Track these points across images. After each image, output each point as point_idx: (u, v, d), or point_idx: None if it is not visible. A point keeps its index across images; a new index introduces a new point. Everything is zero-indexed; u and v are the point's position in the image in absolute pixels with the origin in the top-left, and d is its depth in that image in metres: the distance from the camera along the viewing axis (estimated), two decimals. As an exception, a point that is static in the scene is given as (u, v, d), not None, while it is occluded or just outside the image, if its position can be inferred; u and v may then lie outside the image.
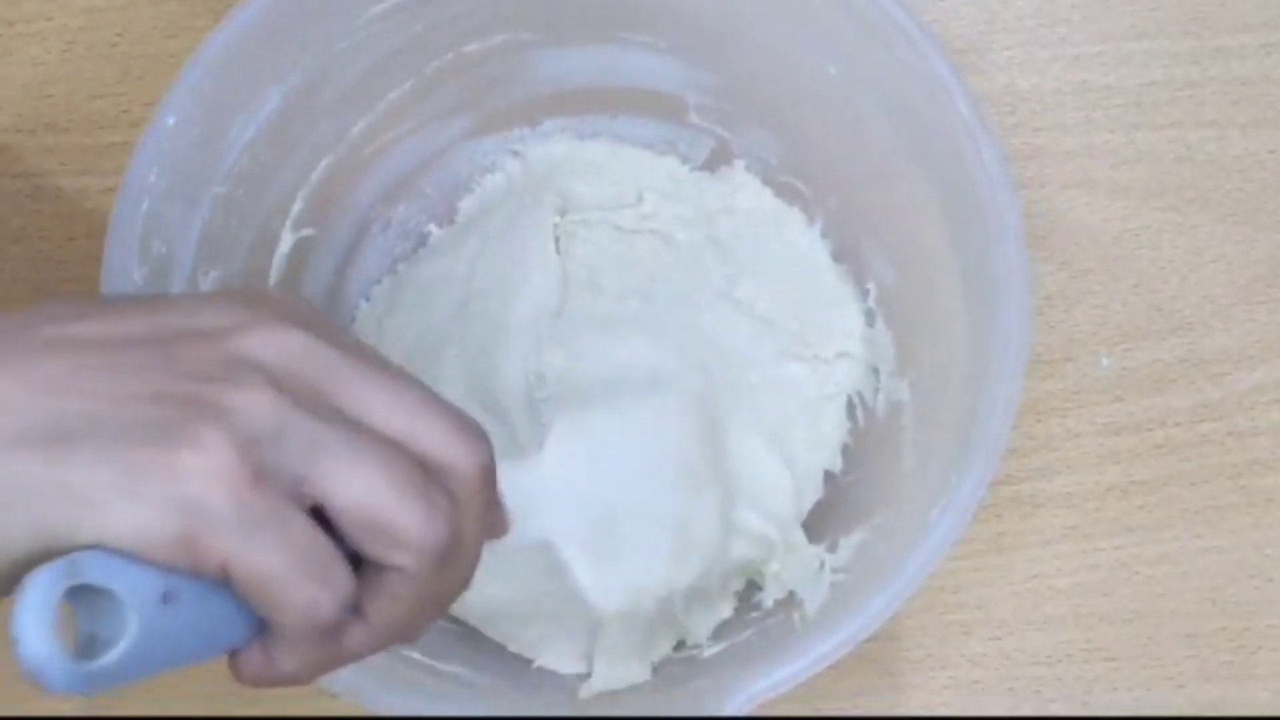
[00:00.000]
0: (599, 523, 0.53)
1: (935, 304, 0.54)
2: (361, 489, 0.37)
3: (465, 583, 0.41)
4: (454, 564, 0.39)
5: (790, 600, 0.56)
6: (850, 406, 0.59)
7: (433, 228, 0.61)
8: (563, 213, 0.60)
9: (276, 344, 0.38)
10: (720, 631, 0.57)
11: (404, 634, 0.40)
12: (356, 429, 0.38)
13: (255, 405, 0.37)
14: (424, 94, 0.58)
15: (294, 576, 0.36)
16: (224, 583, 0.36)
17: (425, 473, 0.38)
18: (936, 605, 0.59)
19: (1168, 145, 0.64)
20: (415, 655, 0.55)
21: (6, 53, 0.63)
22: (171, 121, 0.50)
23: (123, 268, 0.49)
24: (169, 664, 0.37)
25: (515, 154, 0.61)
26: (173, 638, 0.36)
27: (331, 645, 0.39)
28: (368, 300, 0.61)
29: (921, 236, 0.54)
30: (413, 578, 0.38)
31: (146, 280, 0.49)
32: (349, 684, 0.47)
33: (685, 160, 0.61)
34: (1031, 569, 0.60)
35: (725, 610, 0.57)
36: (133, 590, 0.35)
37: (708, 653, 0.56)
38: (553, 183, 0.61)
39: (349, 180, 0.58)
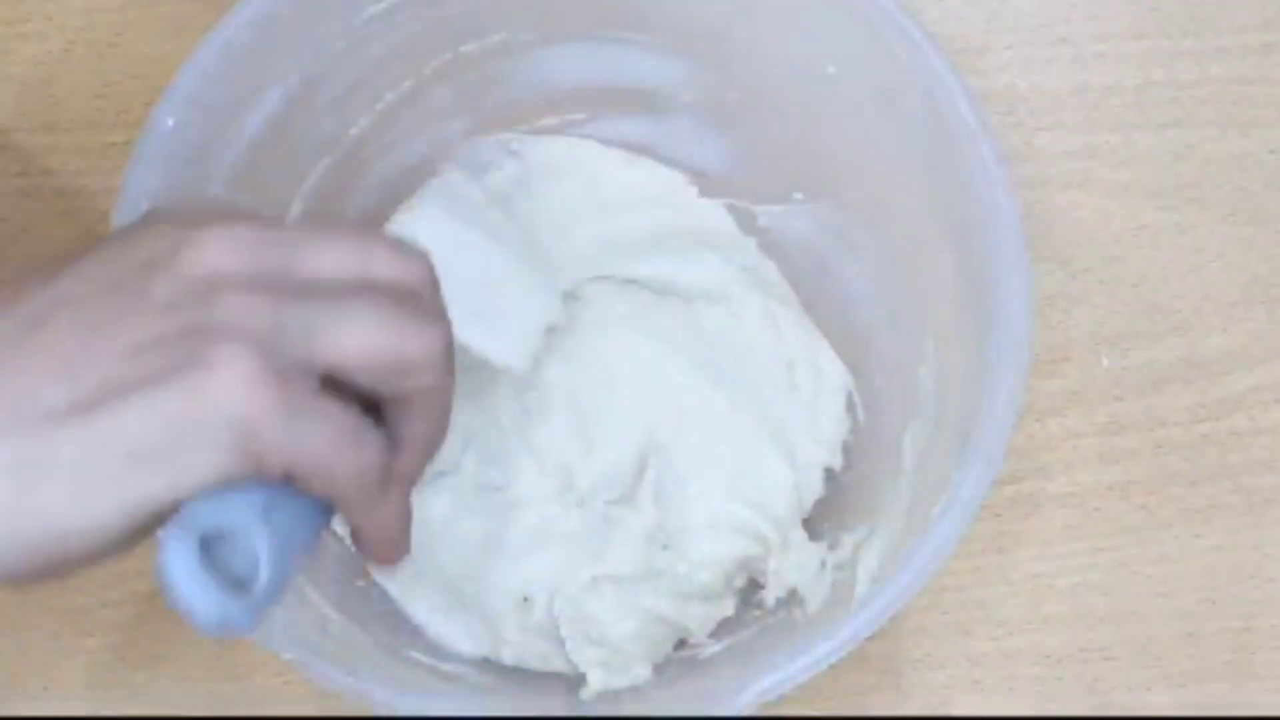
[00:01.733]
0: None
1: (936, 304, 0.54)
2: (362, 341, 0.40)
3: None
4: (452, 362, 0.43)
5: (792, 598, 0.56)
6: (849, 403, 0.59)
7: None
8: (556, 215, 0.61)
9: (223, 248, 0.40)
10: (721, 630, 0.57)
11: (438, 442, 0.43)
12: (328, 292, 0.40)
13: (241, 312, 0.39)
14: (422, 94, 0.58)
15: (338, 451, 0.39)
16: (288, 480, 0.39)
17: (397, 297, 0.41)
18: (936, 605, 0.59)
19: (1168, 145, 0.64)
20: (418, 656, 0.55)
21: (6, 53, 0.63)
22: (171, 123, 0.50)
23: None
24: (291, 573, 0.40)
25: (514, 154, 0.61)
26: (285, 545, 0.39)
27: (390, 490, 0.41)
28: None
29: (921, 236, 0.54)
30: (435, 389, 0.42)
31: None
32: (349, 684, 0.47)
33: (672, 162, 0.61)
34: (1031, 569, 0.60)
35: (727, 608, 0.57)
36: (243, 518, 0.38)
37: (709, 652, 0.56)
38: (548, 184, 0.61)
39: (348, 181, 0.58)
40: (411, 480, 0.43)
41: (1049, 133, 0.64)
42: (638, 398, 0.58)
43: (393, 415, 0.42)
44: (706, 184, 0.62)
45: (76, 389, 0.38)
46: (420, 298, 0.42)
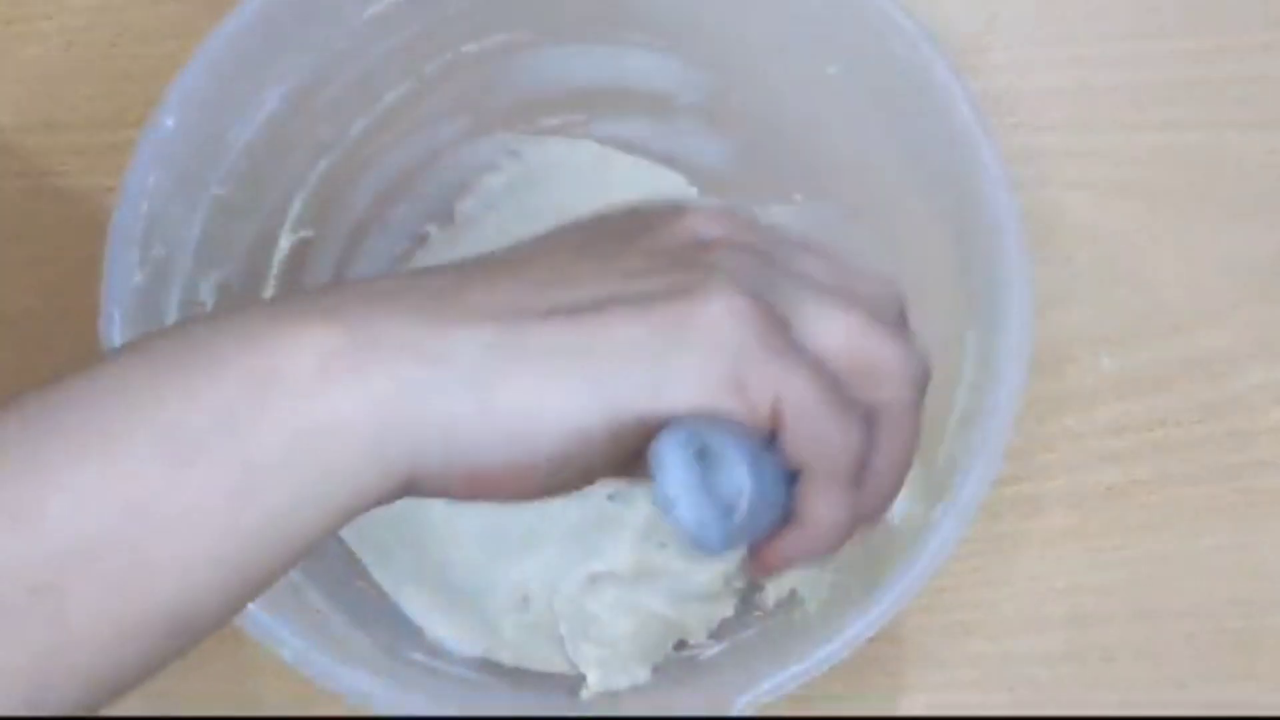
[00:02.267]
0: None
1: (936, 304, 0.54)
2: (847, 331, 0.38)
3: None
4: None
5: (792, 599, 0.56)
6: None
7: (431, 228, 0.62)
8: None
9: (721, 221, 0.40)
10: (721, 630, 0.57)
11: (899, 480, 0.40)
12: (812, 283, 0.39)
13: (737, 262, 0.38)
14: (422, 95, 0.58)
15: (832, 407, 0.37)
16: (774, 435, 0.37)
17: (873, 309, 0.39)
18: (936, 605, 0.59)
19: (1168, 145, 0.64)
20: (418, 656, 0.55)
21: (6, 52, 0.63)
22: (170, 123, 0.50)
23: (124, 270, 0.49)
24: (753, 534, 0.38)
25: (513, 154, 0.61)
26: (761, 499, 0.37)
27: (856, 498, 0.39)
28: None
29: (922, 236, 0.54)
30: (906, 409, 0.39)
31: (147, 281, 0.50)
32: (349, 684, 0.47)
33: (677, 162, 0.62)
34: (1031, 569, 0.60)
35: (727, 609, 0.57)
36: (732, 449, 0.37)
37: (709, 653, 0.56)
38: (550, 185, 0.61)
39: (347, 181, 0.58)
40: (871, 517, 0.40)
41: (1049, 133, 0.64)
42: None
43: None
44: (707, 184, 0.62)
45: (567, 296, 0.37)
46: (895, 316, 0.40)
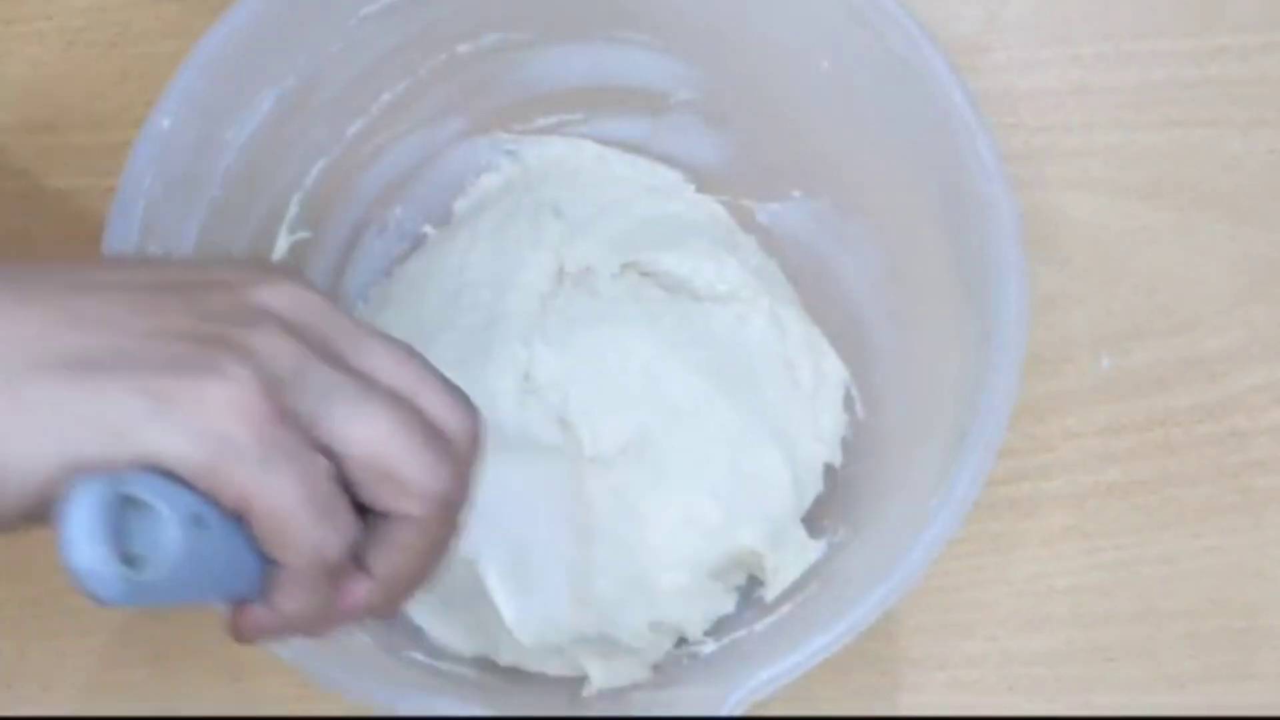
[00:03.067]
0: (515, 553, 0.55)
1: (931, 301, 0.54)
2: (373, 434, 0.39)
3: (453, 546, 0.42)
4: (452, 521, 0.41)
5: (794, 592, 0.56)
6: (848, 399, 0.59)
7: (428, 229, 0.62)
8: (557, 212, 0.61)
9: (290, 298, 0.40)
10: (720, 627, 0.57)
11: (404, 588, 0.41)
12: (364, 382, 0.39)
13: (275, 347, 0.38)
14: (418, 95, 0.58)
15: (307, 514, 0.38)
16: (241, 517, 0.37)
17: (426, 427, 0.40)
18: (936, 605, 0.59)
19: (1168, 145, 0.64)
20: (418, 656, 0.55)
21: (6, 53, 0.63)
22: (166, 124, 0.50)
23: None
24: (194, 593, 0.38)
25: (510, 154, 0.61)
26: (201, 564, 0.37)
27: (332, 593, 0.40)
28: (365, 301, 0.61)
29: (920, 234, 0.54)
30: (418, 526, 0.40)
31: None
32: (349, 684, 0.48)
33: (674, 160, 0.62)
34: (1031, 569, 0.60)
35: (727, 605, 0.57)
36: (170, 507, 0.36)
37: (708, 649, 0.56)
38: (547, 183, 0.61)
39: (344, 182, 0.59)
40: (358, 613, 0.41)
41: (1049, 133, 0.64)
42: (628, 393, 0.58)
43: (370, 534, 0.40)
44: (704, 182, 0.62)
45: (88, 342, 0.37)
46: (449, 445, 0.40)
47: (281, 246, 0.57)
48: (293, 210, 0.57)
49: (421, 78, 0.57)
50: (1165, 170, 0.64)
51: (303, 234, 0.57)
